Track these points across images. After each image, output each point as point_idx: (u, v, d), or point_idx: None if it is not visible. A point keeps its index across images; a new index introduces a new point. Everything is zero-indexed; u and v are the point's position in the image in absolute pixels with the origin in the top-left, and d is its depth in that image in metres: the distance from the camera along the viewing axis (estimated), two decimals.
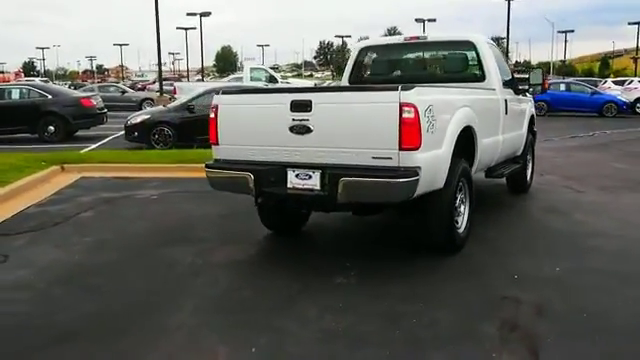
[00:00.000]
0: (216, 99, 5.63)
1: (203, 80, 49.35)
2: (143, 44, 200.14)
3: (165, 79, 57.58)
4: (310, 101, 5.10)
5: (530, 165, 8.95)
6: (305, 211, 6.55)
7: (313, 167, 5.17)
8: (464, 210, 5.87)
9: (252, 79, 23.54)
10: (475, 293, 4.79)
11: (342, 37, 72.59)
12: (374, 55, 7.88)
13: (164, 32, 25.00)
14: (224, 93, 5.67)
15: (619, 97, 25.98)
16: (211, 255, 5.88)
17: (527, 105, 8.57)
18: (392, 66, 7.89)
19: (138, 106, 27.01)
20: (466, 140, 5.80)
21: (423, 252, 5.76)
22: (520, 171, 8.28)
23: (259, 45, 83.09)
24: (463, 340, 3.92)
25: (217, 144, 5.65)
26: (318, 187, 5.17)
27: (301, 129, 5.12)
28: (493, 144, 6.75)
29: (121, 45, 72.23)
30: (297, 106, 5.14)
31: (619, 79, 35.06)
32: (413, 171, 4.81)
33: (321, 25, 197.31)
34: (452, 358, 3.72)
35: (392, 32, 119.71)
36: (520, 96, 8.06)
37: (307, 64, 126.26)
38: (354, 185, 4.89)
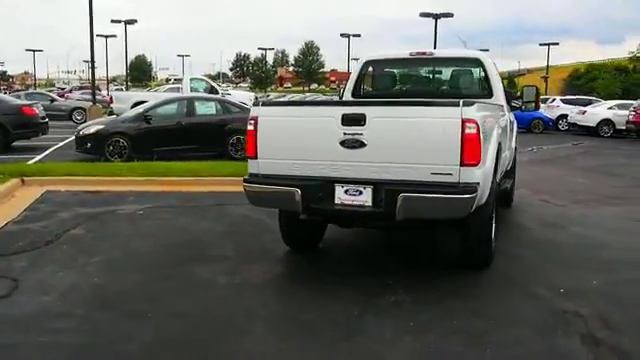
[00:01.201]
0: (255, 111, 5.39)
1: (124, 89, 47.69)
2: (51, 50, 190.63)
3: (81, 88, 55.30)
4: (364, 115, 4.98)
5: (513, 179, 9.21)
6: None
7: (364, 182, 5.05)
8: (494, 225, 5.93)
9: (192, 89, 22.92)
10: (532, 307, 4.83)
11: (265, 49, 72.36)
12: (378, 69, 7.85)
13: (78, 39, 23.91)
14: (264, 105, 5.44)
15: (544, 114, 27.43)
16: (241, 274, 5.60)
17: (514, 120, 8.83)
18: (397, 80, 7.91)
19: (68, 116, 25.63)
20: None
21: (452, 266, 5.79)
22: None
23: (179, 55, 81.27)
24: (560, 357, 3.93)
25: (255, 158, 5.39)
26: (369, 203, 5.06)
27: (354, 143, 4.99)
28: (504, 159, 6.89)
29: (34, 51, 68.18)
30: (349, 120, 5.01)
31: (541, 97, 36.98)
32: (473, 187, 4.80)
33: (239, 37, 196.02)
34: None
35: (309, 46, 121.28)
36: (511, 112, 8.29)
37: (222, 76, 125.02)
38: (415, 201, 4.82)
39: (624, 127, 24.22)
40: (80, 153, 13.72)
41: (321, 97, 55.46)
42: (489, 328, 4.37)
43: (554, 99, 30.90)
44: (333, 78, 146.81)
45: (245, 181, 5.43)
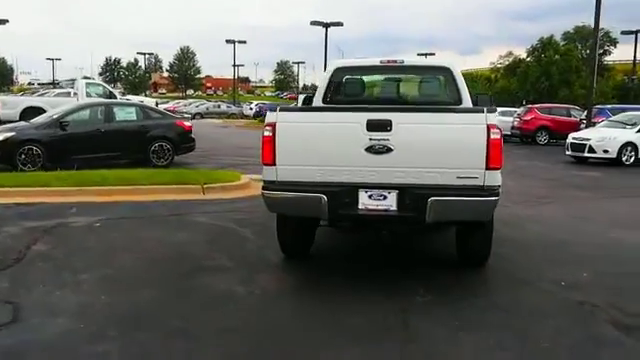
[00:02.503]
0: (272, 116, 5.26)
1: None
2: None
3: None
4: (390, 121, 5.05)
5: None
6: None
7: (388, 187, 5.12)
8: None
9: (88, 95, 21.62)
10: (549, 301, 5.14)
11: (144, 54, 69.90)
12: (349, 76, 7.92)
13: None
14: (282, 110, 5.32)
15: None
16: (256, 284, 5.44)
17: None
18: (367, 87, 8.02)
19: None
20: None
21: (449, 265, 6.03)
22: None
23: (49, 58, 75.78)
24: (608, 342, 4.24)
25: (273, 164, 5.26)
26: (394, 207, 5.13)
27: (380, 149, 5.04)
28: None
29: None
30: (375, 126, 5.05)
31: None
32: (496, 190, 5.03)
33: (107, 41, 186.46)
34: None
35: (185, 51, 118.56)
36: None
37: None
38: (445, 204, 4.96)
39: (509, 132, 26.14)
40: None
41: (206, 103, 54.64)
42: (526, 322, 4.58)
43: None
44: (209, 84, 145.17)
45: (264, 189, 5.28)
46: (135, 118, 13.97)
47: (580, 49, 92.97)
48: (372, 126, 5.06)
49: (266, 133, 5.26)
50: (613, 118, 19.44)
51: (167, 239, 7.08)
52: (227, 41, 55.05)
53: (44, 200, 9.23)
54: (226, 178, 11.44)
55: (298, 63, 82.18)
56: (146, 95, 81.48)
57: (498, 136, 4.99)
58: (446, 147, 5.04)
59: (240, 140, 23.46)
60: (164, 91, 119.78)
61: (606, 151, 16.56)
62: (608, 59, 78.44)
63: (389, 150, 5.04)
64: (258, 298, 5.10)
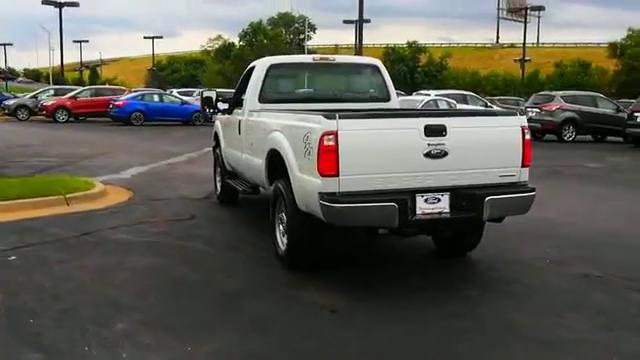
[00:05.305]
0: (331, 124, 4.95)
1: None
2: None
3: None
4: (444, 126, 5.22)
5: None
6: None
7: (441, 190, 5.30)
8: None
9: None
10: (556, 276, 5.88)
11: None
12: (282, 72, 7.69)
13: None
14: (342, 118, 5.01)
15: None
16: (312, 305, 5.02)
17: None
18: (301, 84, 7.88)
19: None
20: None
21: (429, 257, 6.54)
22: None
23: None
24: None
25: (335, 175, 4.97)
26: (447, 209, 5.34)
27: (439, 153, 5.18)
28: None
29: None
30: (432, 131, 5.18)
31: (186, 89, 38.20)
32: (528, 185, 5.59)
33: None
34: None
35: None
36: None
37: None
38: (502, 203, 5.34)
39: None
40: None
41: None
42: (580, 300, 5.24)
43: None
44: None
45: (327, 201, 4.95)
46: None
47: (285, 34, 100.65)
48: (430, 131, 5.17)
49: (326, 142, 4.97)
50: None
51: (130, 266, 6.06)
52: None
53: None
54: (81, 186, 10.02)
55: (5, 45, 72.50)
56: None
57: (529, 136, 5.55)
58: (490, 148, 5.43)
59: (12, 137, 20.47)
60: None
61: None
62: (309, 43, 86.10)
63: (445, 154, 5.22)
64: (342, 321, 4.72)
